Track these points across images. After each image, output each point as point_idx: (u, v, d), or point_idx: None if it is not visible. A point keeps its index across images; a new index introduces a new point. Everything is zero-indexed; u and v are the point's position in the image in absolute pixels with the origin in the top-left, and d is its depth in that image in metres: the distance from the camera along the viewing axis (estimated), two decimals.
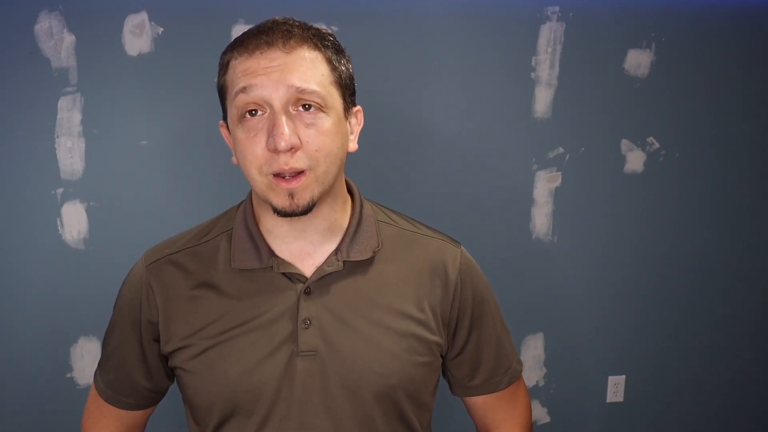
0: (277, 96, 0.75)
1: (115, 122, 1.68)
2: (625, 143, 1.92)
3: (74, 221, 1.71)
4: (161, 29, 1.66)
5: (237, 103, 0.77)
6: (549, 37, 1.82)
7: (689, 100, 1.92)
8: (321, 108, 0.77)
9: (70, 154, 1.68)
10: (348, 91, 0.83)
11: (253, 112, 0.77)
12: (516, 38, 1.81)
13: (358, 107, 0.87)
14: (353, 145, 0.86)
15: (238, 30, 1.67)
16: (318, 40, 0.79)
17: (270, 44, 0.76)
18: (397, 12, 1.74)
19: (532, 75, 1.84)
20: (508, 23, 1.79)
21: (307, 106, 0.77)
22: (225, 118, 0.84)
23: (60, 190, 1.70)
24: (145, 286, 0.88)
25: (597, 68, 1.86)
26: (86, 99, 1.66)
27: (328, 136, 0.78)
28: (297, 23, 0.80)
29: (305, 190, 0.77)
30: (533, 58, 1.83)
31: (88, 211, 1.71)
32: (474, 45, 1.79)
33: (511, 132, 1.86)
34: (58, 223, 1.71)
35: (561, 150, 1.89)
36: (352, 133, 0.86)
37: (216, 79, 0.83)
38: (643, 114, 1.91)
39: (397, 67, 1.77)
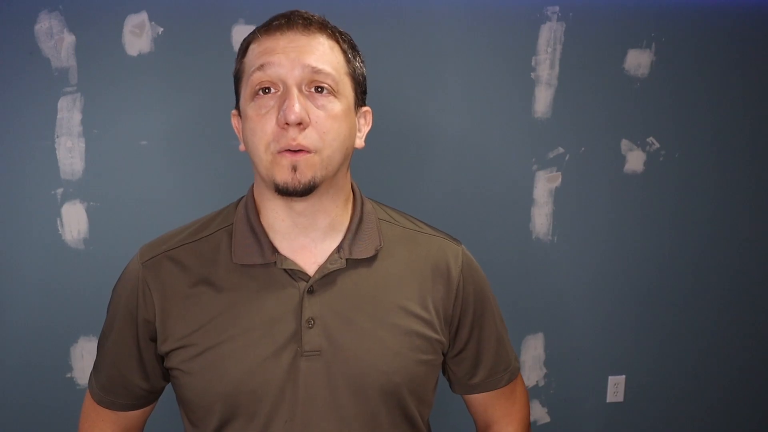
0: (292, 75, 0.77)
1: (115, 122, 1.68)
2: (625, 143, 1.92)
3: (74, 221, 1.71)
4: (161, 29, 1.66)
5: (252, 80, 0.79)
6: (549, 37, 1.82)
7: (689, 100, 1.92)
8: (333, 92, 0.79)
9: (70, 154, 1.68)
10: (360, 88, 0.85)
11: (267, 90, 0.78)
12: (516, 38, 1.81)
13: (367, 108, 0.88)
14: (360, 142, 0.87)
15: (238, 30, 1.68)
16: (336, 32, 0.83)
17: (290, 26, 0.79)
18: (396, 13, 1.74)
19: (532, 75, 1.84)
20: (508, 23, 1.79)
21: (320, 89, 0.78)
22: (238, 107, 0.85)
23: (60, 190, 1.70)
24: (141, 283, 0.86)
25: (597, 68, 1.86)
26: (86, 99, 1.66)
27: (337, 120, 0.79)
28: (317, 15, 0.83)
29: (309, 167, 0.77)
30: (533, 58, 1.83)
31: (88, 211, 1.71)
32: (474, 45, 1.79)
33: (511, 132, 1.86)
34: (58, 223, 1.71)
35: (561, 150, 1.89)
36: (359, 131, 0.87)
37: (233, 67, 0.85)
38: (643, 114, 1.91)
39: (397, 67, 1.76)
